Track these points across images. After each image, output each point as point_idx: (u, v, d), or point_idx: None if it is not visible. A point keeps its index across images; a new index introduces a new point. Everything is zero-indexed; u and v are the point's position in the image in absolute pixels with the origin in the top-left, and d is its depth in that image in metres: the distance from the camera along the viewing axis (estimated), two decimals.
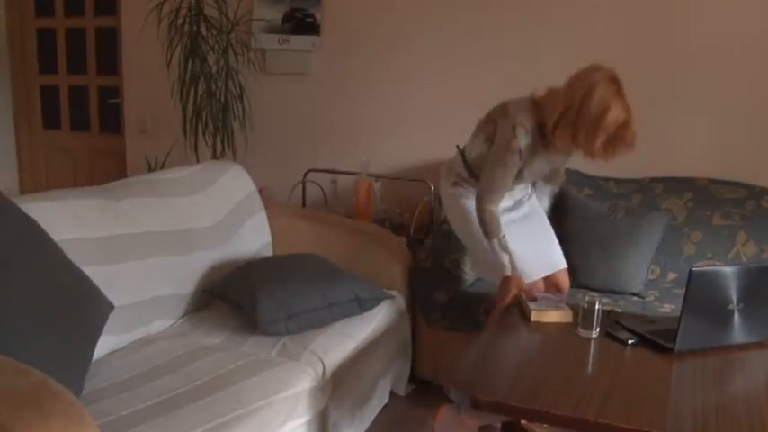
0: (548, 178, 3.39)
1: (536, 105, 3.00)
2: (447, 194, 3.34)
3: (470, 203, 3.14)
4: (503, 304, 3.04)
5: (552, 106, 2.91)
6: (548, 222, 3.40)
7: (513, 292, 3.03)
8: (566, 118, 2.86)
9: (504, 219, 3.13)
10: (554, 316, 2.78)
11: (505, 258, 3.06)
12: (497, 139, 3.04)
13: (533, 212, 3.36)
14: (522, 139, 2.95)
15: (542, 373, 2.32)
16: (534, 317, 2.77)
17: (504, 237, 3.05)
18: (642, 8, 4.11)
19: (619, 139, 2.83)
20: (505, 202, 3.18)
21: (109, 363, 2.63)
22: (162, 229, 3.13)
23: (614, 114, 2.78)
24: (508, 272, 3.07)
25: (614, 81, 2.83)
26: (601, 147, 2.84)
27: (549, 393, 2.15)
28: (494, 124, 3.08)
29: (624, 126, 2.82)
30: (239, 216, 3.65)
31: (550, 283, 3.28)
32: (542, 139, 3.00)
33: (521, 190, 3.30)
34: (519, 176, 3.08)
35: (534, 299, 2.91)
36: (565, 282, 3.33)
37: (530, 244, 3.22)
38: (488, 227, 3.04)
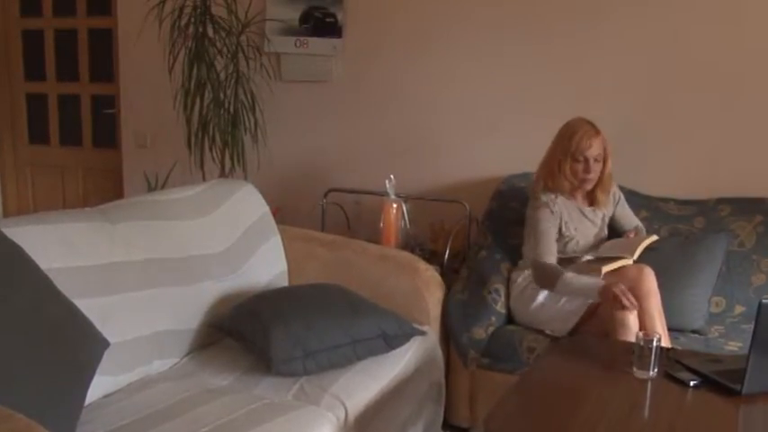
0: (597, 245, 3.82)
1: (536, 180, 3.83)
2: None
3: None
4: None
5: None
6: None
7: (616, 290, 3.26)
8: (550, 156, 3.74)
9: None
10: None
11: (586, 279, 3.44)
12: (527, 218, 3.79)
13: None
14: (543, 196, 3.70)
15: (594, 418, 2.34)
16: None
17: (567, 275, 3.49)
18: (701, 11, 4.13)
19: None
20: None
21: (104, 407, 2.65)
22: (163, 257, 3.15)
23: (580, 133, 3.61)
24: (600, 284, 3.39)
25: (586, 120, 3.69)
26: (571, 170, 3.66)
27: None
28: None
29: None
30: (251, 242, 3.68)
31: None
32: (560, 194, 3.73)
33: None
34: (569, 241, 3.72)
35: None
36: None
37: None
38: (549, 273, 3.56)
